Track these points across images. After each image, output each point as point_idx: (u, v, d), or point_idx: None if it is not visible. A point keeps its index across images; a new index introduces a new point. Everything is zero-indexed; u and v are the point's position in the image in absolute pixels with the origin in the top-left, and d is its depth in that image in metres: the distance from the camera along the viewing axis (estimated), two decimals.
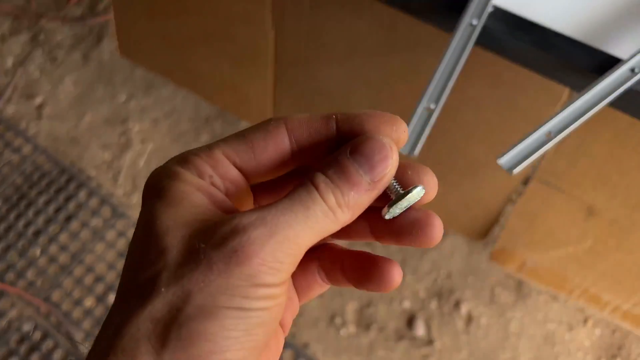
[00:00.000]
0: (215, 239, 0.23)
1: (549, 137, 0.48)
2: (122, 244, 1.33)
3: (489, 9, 0.54)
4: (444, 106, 0.52)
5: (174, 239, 0.23)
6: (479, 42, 0.55)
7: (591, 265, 0.77)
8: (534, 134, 0.47)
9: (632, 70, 0.50)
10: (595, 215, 0.70)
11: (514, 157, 0.47)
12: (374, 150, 0.25)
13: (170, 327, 0.22)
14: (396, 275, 0.27)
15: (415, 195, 0.26)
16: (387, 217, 0.26)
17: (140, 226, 0.25)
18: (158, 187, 0.25)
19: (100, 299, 1.28)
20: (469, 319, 1.20)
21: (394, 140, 0.26)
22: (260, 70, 0.89)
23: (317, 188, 0.24)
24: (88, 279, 1.30)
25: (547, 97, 0.63)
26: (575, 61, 0.52)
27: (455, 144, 0.77)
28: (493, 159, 0.75)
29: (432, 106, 0.50)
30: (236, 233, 0.22)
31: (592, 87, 0.49)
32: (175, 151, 1.44)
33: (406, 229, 0.26)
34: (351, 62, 0.77)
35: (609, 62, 0.51)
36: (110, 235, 1.34)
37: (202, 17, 0.89)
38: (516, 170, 0.46)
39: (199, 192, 0.24)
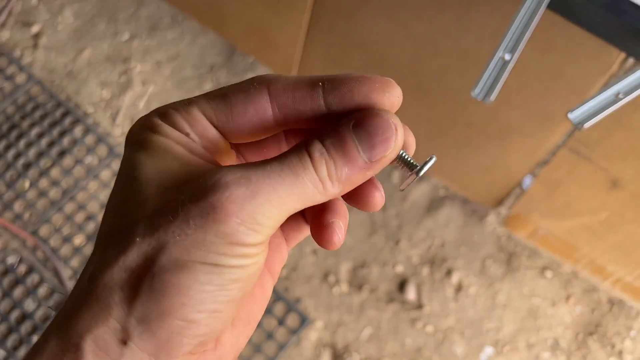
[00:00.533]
0: (195, 192, 0.22)
1: (618, 97, 0.49)
2: None
3: None
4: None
5: (153, 190, 0.23)
6: (549, 5, 0.56)
7: (603, 236, 0.80)
8: (604, 92, 0.49)
9: None
10: (619, 188, 0.73)
11: (584, 112, 0.48)
12: (377, 128, 0.23)
13: (144, 278, 0.22)
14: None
15: (430, 166, 0.25)
16: (402, 188, 0.26)
17: (121, 175, 0.24)
18: (139, 138, 0.24)
19: (90, 237, 1.26)
20: (459, 288, 1.24)
21: (388, 105, 0.24)
22: (295, 16, 0.88)
23: (310, 156, 0.23)
24: (79, 217, 1.27)
25: (596, 66, 0.65)
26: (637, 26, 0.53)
27: (489, 107, 0.78)
28: (526, 126, 0.77)
29: (507, 57, 0.51)
30: (217, 188, 0.22)
31: None
32: (176, 97, 1.41)
33: (354, 196, 0.26)
34: (397, 14, 0.77)
35: None
36: (105, 174, 1.31)
37: None
38: (586, 126, 0.48)
39: (180, 145, 0.24)
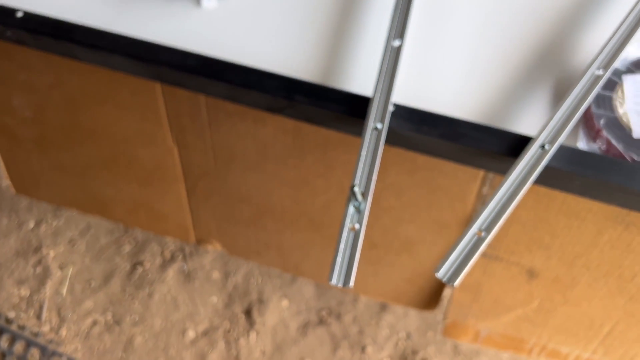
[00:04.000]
0: None
1: (481, 235, 0.46)
2: None
3: (390, 109, 0.53)
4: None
5: None
6: (389, 142, 0.54)
7: (543, 322, 0.76)
8: (465, 237, 0.46)
9: (543, 147, 0.50)
10: (537, 277, 0.70)
11: (451, 266, 0.44)
12: None
13: None
14: None
15: None
16: None
17: None
18: None
19: None
20: None
21: None
22: (171, 186, 0.85)
23: None
24: None
25: (465, 174, 0.63)
26: (486, 146, 0.51)
27: (385, 228, 0.75)
28: (425, 236, 0.74)
29: (357, 227, 0.48)
30: None
31: (510, 174, 0.48)
32: (99, 270, 1.35)
33: None
34: (264, 167, 0.74)
35: (519, 141, 0.51)
36: None
37: (98, 144, 0.84)
38: (457, 281, 0.44)
39: None
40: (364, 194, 0.48)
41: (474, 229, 0.46)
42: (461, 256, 0.45)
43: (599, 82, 0.52)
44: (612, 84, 0.54)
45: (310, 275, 0.98)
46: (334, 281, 0.45)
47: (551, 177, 0.51)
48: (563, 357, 0.82)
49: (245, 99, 0.58)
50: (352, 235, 0.47)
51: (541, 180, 0.51)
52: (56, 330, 1.28)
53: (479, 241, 0.46)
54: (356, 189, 0.47)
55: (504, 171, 0.52)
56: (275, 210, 0.80)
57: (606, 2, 0.61)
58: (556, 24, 0.61)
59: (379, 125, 0.52)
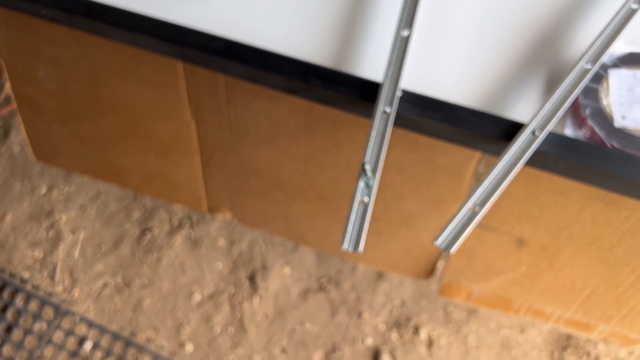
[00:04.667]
0: None
1: (475, 210, 0.52)
2: (72, 343, 1.28)
3: (398, 94, 0.58)
4: None
5: None
6: (396, 124, 0.59)
7: (530, 286, 0.83)
8: (461, 211, 0.52)
9: (533, 132, 0.56)
10: (525, 245, 0.76)
11: (448, 236, 0.51)
12: None
13: None
14: None
15: None
16: None
17: None
18: None
19: None
20: (430, 342, 1.25)
21: None
22: (186, 157, 0.90)
23: None
24: None
25: (463, 154, 0.68)
26: (482, 130, 0.57)
27: (387, 202, 0.81)
28: (424, 211, 0.80)
29: (366, 200, 0.54)
30: None
31: (503, 156, 0.54)
32: (109, 234, 1.41)
33: None
34: (276, 142, 0.80)
35: (513, 127, 0.57)
36: (58, 336, 1.28)
37: (118, 117, 0.89)
38: (453, 249, 0.50)
39: None
40: (374, 171, 0.54)
41: (469, 203, 0.52)
42: (457, 227, 0.51)
43: (587, 75, 0.58)
44: (599, 77, 0.59)
45: (314, 244, 1.04)
46: (345, 246, 0.51)
47: (540, 160, 0.56)
48: (547, 316, 0.89)
49: (264, 80, 0.63)
50: (361, 207, 0.53)
51: (531, 162, 0.57)
52: (69, 290, 1.35)
53: (473, 215, 0.52)
54: (367, 166, 0.53)
55: (498, 153, 0.58)
56: (284, 183, 0.86)
57: (597, 2, 0.66)
58: (551, 20, 0.66)
59: (388, 109, 0.57)
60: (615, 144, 0.56)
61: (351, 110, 0.62)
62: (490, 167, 0.67)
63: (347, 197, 0.88)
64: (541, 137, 0.55)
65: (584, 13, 0.65)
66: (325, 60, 0.63)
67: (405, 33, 0.61)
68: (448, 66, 0.63)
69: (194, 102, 0.80)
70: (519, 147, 0.55)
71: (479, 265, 0.83)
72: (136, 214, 1.42)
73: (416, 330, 1.26)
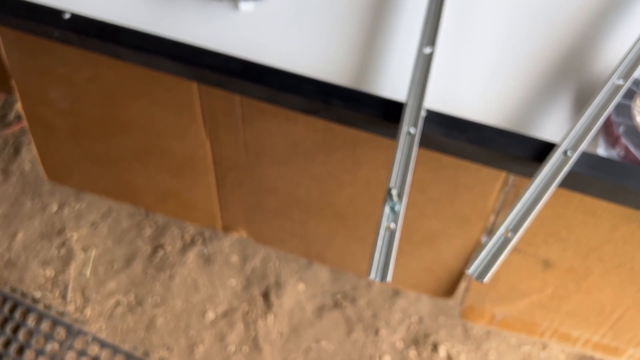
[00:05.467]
0: None
1: (508, 236, 0.50)
2: None
3: (423, 114, 0.56)
4: None
5: None
6: (421, 145, 0.57)
7: (556, 308, 0.81)
8: (494, 237, 0.49)
9: (565, 153, 0.53)
10: (552, 267, 0.74)
11: (480, 264, 0.48)
12: None
13: None
14: None
15: None
16: None
17: None
18: None
19: None
20: (449, 359, 1.22)
21: None
22: (201, 176, 0.88)
23: None
24: None
25: (488, 174, 0.66)
26: (511, 151, 0.55)
27: (408, 221, 0.79)
28: (447, 230, 0.78)
29: (392, 226, 0.51)
30: None
31: (535, 178, 0.52)
32: (120, 252, 1.39)
33: None
34: (294, 161, 0.78)
35: (543, 147, 0.55)
36: (70, 357, 1.27)
37: (132, 136, 0.87)
38: (487, 278, 0.48)
39: None
40: (399, 195, 0.52)
41: (501, 229, 0.50)
42: (490, 255, 0.49)
43: (619, 91, 0.56)
44: (631, 93, 0.57)
45: (332, 263, 1.02)
46: (372, 276, 0.49)
47: (573, 181, 0.54)
48: (574, 340, 0.86)
49: (282, 101, 0.62)
50: (388, 234, 0.51)
51: (563, 183, 0.54)
52: (81, 310, 1.34)
53: (506, 241, 0.50)
54: (393, 191, 0.51)
55: (527, 173, 0.56)
56: (301, 201, 0.84)
57: (628, 12, 0.64)
58: (578, 32, 0.64)
59: (412, 130, 0.55)
60: None
61: (373, 131, 0.60)
62: (517, 187, 0.64)
63: (366, 216, 0.86)
64: (574, 157, 0.53)
65: (614, 24, 0.63)
66: (345, 80, 0.61)
67: (427, 50, 0.60)
68: (472, 84, 0.62)
69: (209, 122, 0.78)
70: (551, 169, 0.53)
71: (502, 287, 0.81)
72: (148, 231, 1.41)
73: (435, 347, 1.23)
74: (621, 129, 0.55)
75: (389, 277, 0.49)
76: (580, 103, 0.59)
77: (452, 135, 0.56)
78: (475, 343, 1.22)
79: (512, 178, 0.65)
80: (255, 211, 0.92)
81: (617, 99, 0.56)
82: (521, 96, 0.60)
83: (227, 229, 1.01)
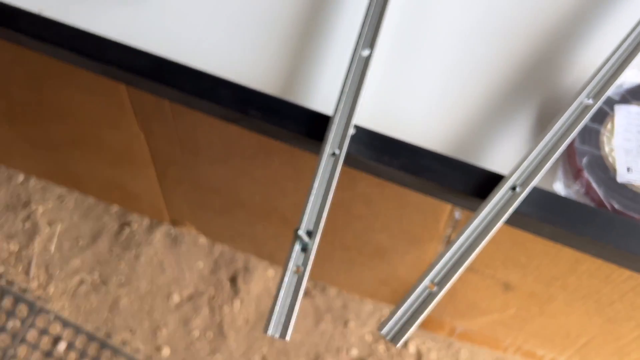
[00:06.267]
0: None
1: (433, 290, 0.42)
2: (46, 342, 1.23)
3: (351, 132, 0.48)
4: (336, 201, 0.46)
5: None
6: (349, 164, 0.49)
7: (519, 327, 0.74)
8: (414, 292, 0.42)
9: (514, 188, 0.45)
10: (513, 289, 0.67)
11: (396, 324, 0.41)
12: None
13: None
14: None
15: None
16: None
17: None
18: None
19: None
20: (419, 356, 1.17)
21: None
22: (141, 169, 0.81)
23: None
24: None
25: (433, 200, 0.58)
26: (451, 183, 0.46)
27: (357, 233, 0.72)
28: (396, 245, 0.70)
29: (302, 269, 0.44)
30: None
31: (472, 220, 0.44)
32: (87, 228, 1.34)
33: None
34: (232, 162, 0.70)
35: (488, 180, 0.46)
36: (32, 335, 1.24)
37: (65, 123, 0.80)
38: (401, 342, 0.41)
39: None
40: (311, 233, 0.44)
41: (426, 281, 0.42)
42: (409, 312, 0.42)
43: (587, 113, 0.46)
44: (603, 115, 0.48)
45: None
46: (270, 332, 0.42)
47: (519, 221, 0.46)
48: (538, 357, 0.80)
49: (196, 106, 0.53)
50: (294, 278, 0.44)
51: (509, 221, 0.46)
52: (44, 287, 1.30)
53: (431, 296, 0.42)
54: (300, 232, 0.43)
55: (472, 207, 0.48)
56: (245, 204, 0.77)
57: (606, 18, 0.53)
58: (546, 40, 0.54)
59: (337, 151, 0.47)
60: (616, 205, 0.45)
61: (299, 147, 0.52)
62: (469, 213, 0.56)
63: None
64: (523, 195, 0.44)
65: (587, 32, 0.53)
66: (269, 87, 0.53)
67: (365, 53, 0.50)
68: (416, 95, 0.52)
69: (140, 114, 0.70)
70: (495, 207, 0.44)
71: (461, 304, 0.74)
72: (115, 207, 1.34)
73: (404, 343, 1.18)
74: (585, 160, 0.47)
75: (289, 335, 0.42)
76: (542, 123, 0.50)
77: (383, 160, 0.47)
78: (447, 341, 1.17)
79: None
80: (200, 209, 0.84)
81: (584, 121, 0.47)
82: (474, 114, 0.51)
83: (175, 222, 0.94)
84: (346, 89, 0.49)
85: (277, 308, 0.43)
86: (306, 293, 1.24)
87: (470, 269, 0.67)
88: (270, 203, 0.74)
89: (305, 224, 0.45)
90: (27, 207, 1.37)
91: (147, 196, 0.86)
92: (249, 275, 1.26)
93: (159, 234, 1.31)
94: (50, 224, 1.36)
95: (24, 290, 1.28)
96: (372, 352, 1.19)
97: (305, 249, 0.44)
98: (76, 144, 0.83)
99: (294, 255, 0.44)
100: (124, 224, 1.34)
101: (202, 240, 1.30)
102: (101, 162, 0.85)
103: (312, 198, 0.46)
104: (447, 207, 0.57)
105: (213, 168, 0.73)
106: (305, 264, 0.44)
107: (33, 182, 1.39)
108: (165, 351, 1.22)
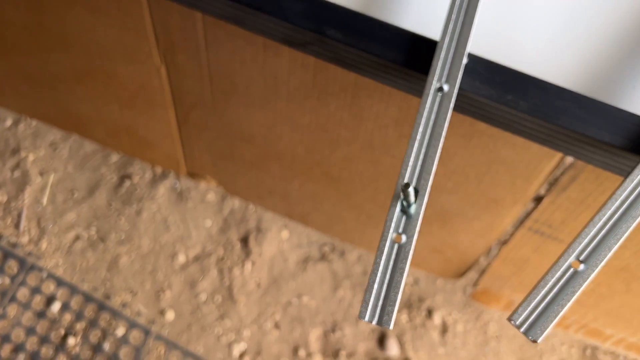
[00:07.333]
0: None
1: (579, 267, 0.32)
2: (39, 302, 1.13)
3: (464, 62, 0.37)
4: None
5: None
6: (457, 108, 0.39)
7: (594, 304, 0.65)
8: (555, 273, 0.32)
9: None
10: None
11: (532, 313, 0.31)
12: None
13: None
14: None
15: None
16: None
17: None
18: None
19: None
20: (444, 328, 1.09)
21: None
22: (158, 111, 0.70)
23: None
24: (4, 350, 1.10)
25: (539, 151, 0.48)
26: (596, 133, 0.36)
27: None
28: (467, 210, 0.60)
29: (403, 238, 0.34)
30: None
31: (635, 176, 0.34)
32: (82, 179, 1.22)
33: None
34: (274, 105, 0.59)
35: (636, 129, 0.36)
36: (23, 293, 1.13)
37: (69, 53, 0.67)
38: (542, 337, 0.31)
39: None
40: (418, 193, 0.34)
41: (571, 258, 0.32)
42: (547, 298, 0.32)
43: None
44: None
45: (319, 227, 0.85)
46: (366, 318, 0.32)
47: None
48: (605, 337, 0.73)
49: (253, 24, 0.42)
50: (395, 249, 0.33)
51: None
52: (36, 242, 1.19)
53: (575, 277, 0.32)
54: (409, 189, 0.32)
55: (610, 164, 0.38)
56: (283, 156, 0.66)
57: None
58: None
59: (446, 87, 0.36)
60: None
61: (386, 81, 0.41)
62: (578, 170, 0.46)
63: (365, 181, 0.68)
64: None
65: None
66: (348, 1, 0.41)
67: None
68: (541, 22, 0.41)
69: (163, 42, 0.58)
70: None
71: (530, 276, 0.65)
72: (114, 157, 1.23)
73: (429, 313, 1.10)
74: None
75: (392, 324, 0.31)
76: None
77: (505, 100, 0.37)
78: (476, 312, 1.09)
79: (572, 160, 0.47)
80: (225, 159, 0.73)
81: None
82: (611, 47, 0.40)
83: (193, 175, 0.83)
84: (457, 6, 0.38)
85: (374, 287, 0.32)
86: (323, 257, 1.15)
87: (551, 237, 0.57)
88: (313, 156, 0.63)
89: (410, 172, 0.34)
90: (16, 155, 1.25)
91: (162, 144, 0.74)
92: (262, 235, 1.16)
93: (163, 189, 1.20)
94: (41, 173, 1.24)
95: (14, 245, 1.17)
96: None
97: (407, 212, 0.34)
98: (80, 79, 0.71)
99: (393, 219, 0.34)
100: (124, 176, 1.22)
101: (211, 196, 1.19)
102: (110, 103, 0.73)
103: (414, 146, 0.35)
104: (551, 162, 0.47)
105: (248, 112, 0.62)
106: (409, 232, 0.33)
107: (22, 126, 1.26)
108: (170, 315, 1.13)
